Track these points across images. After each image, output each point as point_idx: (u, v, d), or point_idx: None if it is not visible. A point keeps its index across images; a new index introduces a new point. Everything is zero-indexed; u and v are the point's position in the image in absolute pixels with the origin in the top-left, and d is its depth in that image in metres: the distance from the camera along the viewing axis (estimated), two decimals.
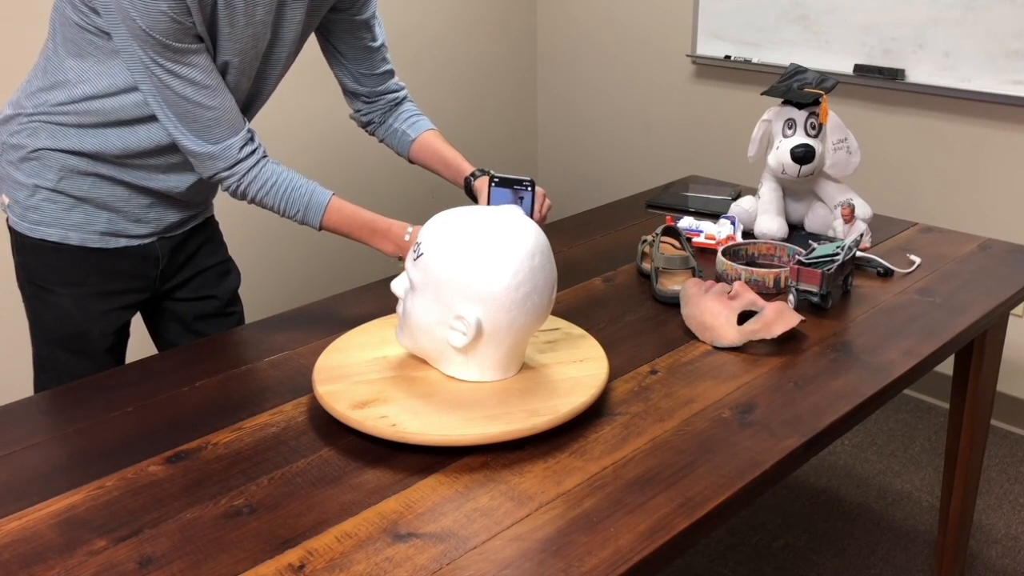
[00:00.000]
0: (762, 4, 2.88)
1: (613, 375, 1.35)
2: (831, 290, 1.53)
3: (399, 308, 1.28)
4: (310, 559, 0.97)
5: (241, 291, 1.79)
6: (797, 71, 1.83)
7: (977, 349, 1.79)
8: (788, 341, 1.45)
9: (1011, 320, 2.67)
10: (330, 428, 1.21)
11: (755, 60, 2.96)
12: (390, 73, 1.68)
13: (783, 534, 2.28)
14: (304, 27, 1.50)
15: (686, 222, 1.85)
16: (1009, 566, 2.16)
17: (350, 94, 1.68)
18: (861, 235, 1.68)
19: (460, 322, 1.20)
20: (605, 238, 1.90)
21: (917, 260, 1.75)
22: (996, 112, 2.53)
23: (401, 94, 1.71)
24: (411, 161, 1.71)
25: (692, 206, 2.04)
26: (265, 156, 1.45)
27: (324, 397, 1.21)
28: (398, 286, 1.28)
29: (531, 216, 1.52)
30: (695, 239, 1.81)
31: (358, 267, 3.28)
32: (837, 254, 1.56)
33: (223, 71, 1.42)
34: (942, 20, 2.52)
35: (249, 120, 1.55)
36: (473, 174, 1.63)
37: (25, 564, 0.97)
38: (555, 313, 1.55)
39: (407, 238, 1.47)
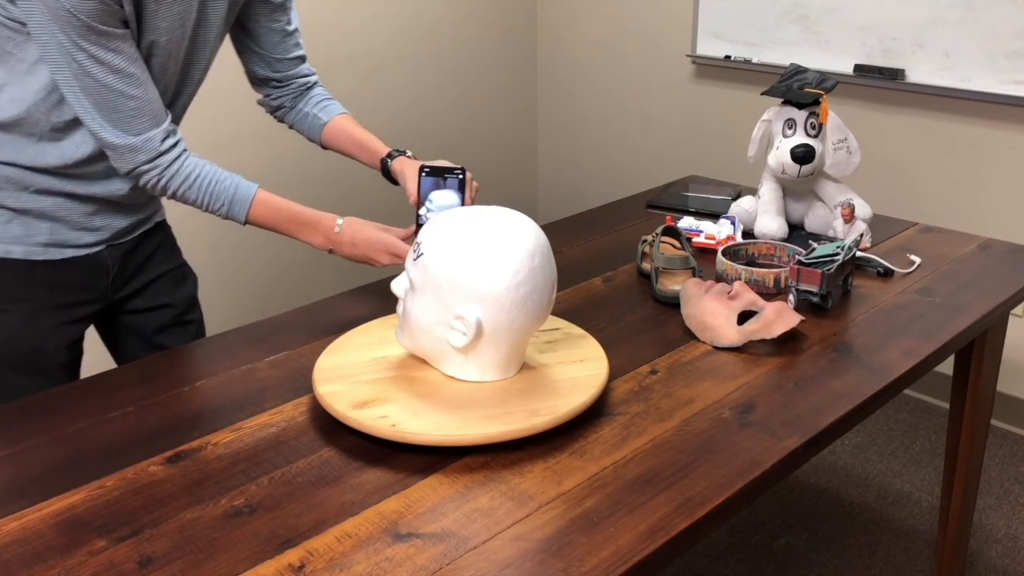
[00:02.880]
0: (762, 4, 2.88)
1: (613, 375, 1.35)
2: (831, 290, 1.53)
3: (399, 308, 1.28)
4: (310, 559, 0.97)
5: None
6: (797, 71, 1.83)
7: (977, 349, 1.79)
8: (788, 341, 1.45)
9: (1011, 320, 2.67)
10: (330, 428, 1.21)
11: (755, 60, 2.96)
12: (302, 58, 1.64)
13: (783, 534, 2.28)
14: (230, 7, 1.46)
15: (686, 222, 1.85)
16: (1009, 566, 2.16)
17: (260, 80, 1.63)
18: (861, 235, 1.68)
19: (460, 322, 1.20)
20: (605, 238, 1.90)
21: (917, 260, 1.75)
22: (996, 112, 2.53)
23: (312, 79, 1.67)
24: (323, 146, 1.66)
25: (692, 206, 2.04)
26: (186, 149, 1.41)
27: (324, 397, 1.21)
28: (398, 286, 1.28)
29: (463, 203, 1.47)
30: (695, 239, 1.81)
31: (358, 267, 3.28)
32: (837, 254, 1.56)
33: (149, 53, 1.36)
34: (942, 20, 2.52)
35: (182, 111, 1.51)
36: (390, 154, 1.59)
37: (25, 564, 0.97)
38: (555, 313, 1.55)
39: (337, 230, 1.44)
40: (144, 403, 1.29)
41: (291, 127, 1.68)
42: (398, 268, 2.94)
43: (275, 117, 1.69)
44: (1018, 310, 2.65)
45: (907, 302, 1.59)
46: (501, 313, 1.19)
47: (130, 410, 1.27)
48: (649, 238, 1.74)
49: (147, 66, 1.36)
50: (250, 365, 1.39)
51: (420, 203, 1.49)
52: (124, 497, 1.08)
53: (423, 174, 1.48)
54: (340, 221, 1.45)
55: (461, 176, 1.48)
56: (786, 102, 1.82)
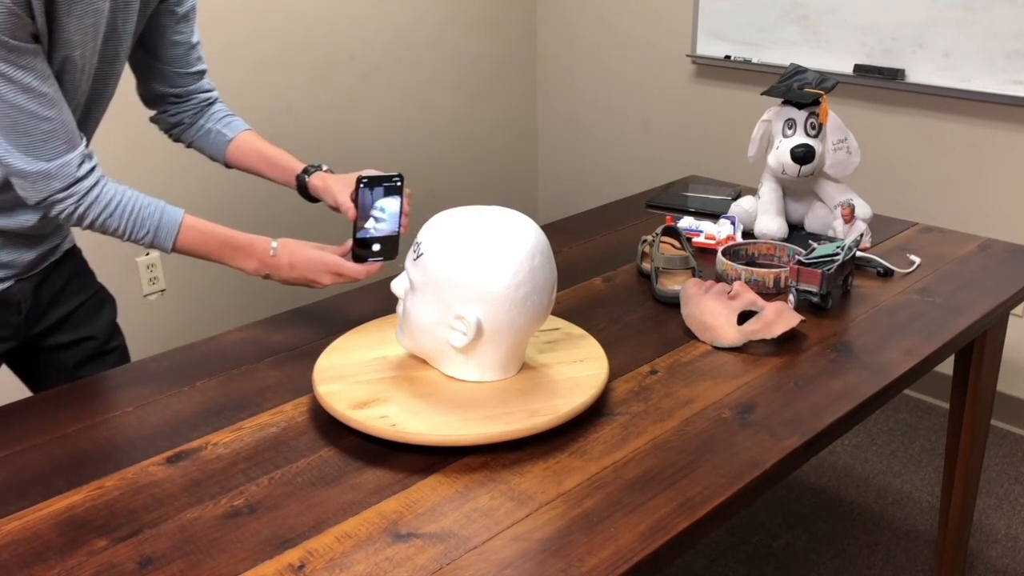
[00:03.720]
0: (762, 4, 2.88)
1: (613, 375, 1.35)
2: (831, 290, 1.53)
3: (399, 308, 1.28)
4: (310, 559, 0.97)
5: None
6: (797, 71, 1.83)
7: (977, 349, 1.79)
8: (788, 341, 1.45)
9: (1011, 320, 2.67)
10: (330, 428, 1.21)
11: (755, 60, 2.96)
12: (204, 72, 1.54)
13: (783, 534, 2.28)
14: (139, 17, 1.37)
15: (686, 222, 1.85)
16: (1009, 566, 2.16)
17: (157, 98, 1.52)
18: (861, 235, 1.68)
19: (460, 322, 1.20)
20: (605, 238, 1.90)
21: (917, 260, 1.75)
22: (996, 112, 2.53)
23: (214, 94, 1.57)
24: (228, 164, 1.56)
25: (692, 206, 2.04)
26: (104, 174, 1.30)
27: (324, 397, 1.21)
28: (398, 286, 1.28)
29: (402, 211, 1.42)
30: (695, 239, 1.81)
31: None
32: (837, 254, 1.56)
33: (61, 69, 1.25)
34: (942, 20, 2.52)
35: (92, 132, 1.41)
36: (306, 170, 1.50)
37: (25, 564, 0.97)
38: (555, 313, 1.55)
39: (272, 253, 1.36)
40: (144, 403, 1.29)
41: (189, 145, 1.57)
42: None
43: (171, 135, 1.57)
44: (1018, 310, 2.65)
45: (907, 302, 1.59)
46: (501, 313, 1.19)
47: (130, 410, 1.27)
48: (649, 238, 1.74)
49: (59, 84, 1.25)
50: (250, 365, 1.39)
51: (359, 216, 1.40)
52: (124, 497, 1.08)
53: (361, 186, 1.39)
54: (275, 243, 1.36)
55: (399, 182, 1.41)
56: (786, 102, 1.82)
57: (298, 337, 1.48)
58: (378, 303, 1.60)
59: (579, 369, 1.28)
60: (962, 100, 2.58)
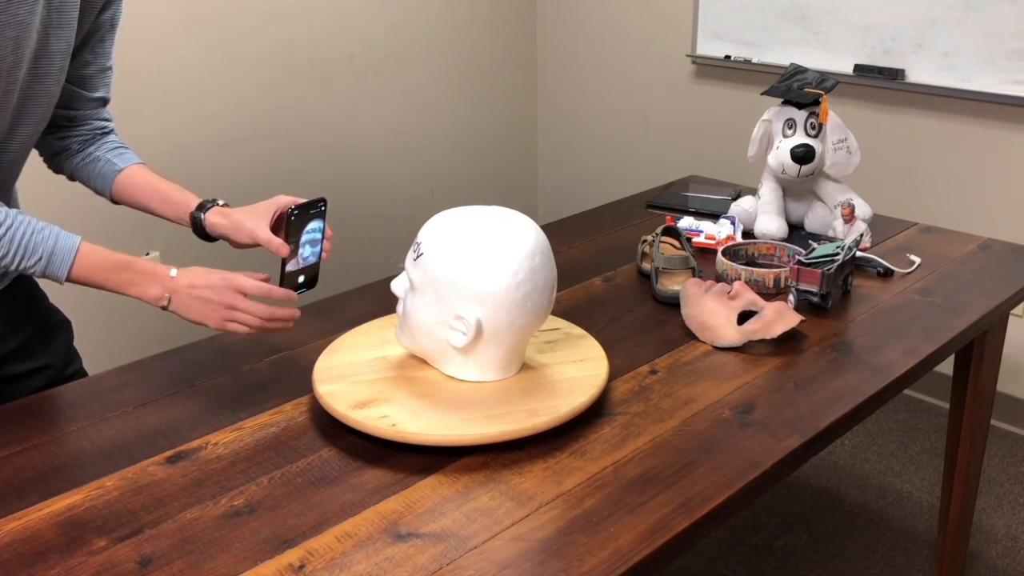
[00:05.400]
0: (762, 4, 2.88)
1: (613, 375, 1.35)
2: (831, 290, 1.53)
3: (399, 308, 1.28)
4: (310, 559, 0.97)
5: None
6: (797, 71, 1.83)
7: (977, 349, 1.79)
8: (788, 341, 1.45)
9: (1011, 320, 2.67)
10: (330, 428, 1.21)
11: (755, 60, 2.96)
12: (106, 101, 1.43)
13: (783, 534, 2.28)
14: (76, 34, 1.28)
15: (686, 222, 1.85)
16: (1009, 566, 2.16)
17: (48, 123, 1.38)
18: (861, 235, 1.68)
19: (460, 322, 1.20)
20: (605, 238, 1.91)
21: (917, 260, 1.75)
22: (996, 112, 2.53)
23: (111, 124, 1.45)
24: (114, 198, 1.43)
25: (692, 206, 2.04)
26: None
27: (324, 397, 1.21)
28: (398, 286, 1.28)
29: (324, 236, 1.34)
30: (695, 239, 1.81)
31: (358, 267, 3.28)
32: (837, 254, 1.56)
33: None
34: (942, 20, 2.52)
35: (19, 154, 1.32)
36: (201, 207, 1.37)
37: (25, 564, 0.97)
38: (555, 313, 1.55)
39: (174, 273, 1.24)
40: (144, 403, 1.29)
41: (71, 176, 1.44)
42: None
43: (51, 163, 1.44)
44: (1018, 310, 2.65)
45: (907, 302, 1.59)
46: (501, 313, 1.19)
47: (130, 410, 1.27)
48: (649, 238, 1.74)
49: None
50: (250, 365, 1.39)
51: (291, 248, 1.30)
52: (124, 497, 1.08)
53: (292, 217, 1.29)
54: (174, 272, 1.25)
55: (324, 207, 1.32)
56: (786, 102, 1.82)
57: (298, 337, 1.48)
58: (378, 303, 1.60)
59: (579, 369, 1.28)
60: (962, 100, 2.58)
